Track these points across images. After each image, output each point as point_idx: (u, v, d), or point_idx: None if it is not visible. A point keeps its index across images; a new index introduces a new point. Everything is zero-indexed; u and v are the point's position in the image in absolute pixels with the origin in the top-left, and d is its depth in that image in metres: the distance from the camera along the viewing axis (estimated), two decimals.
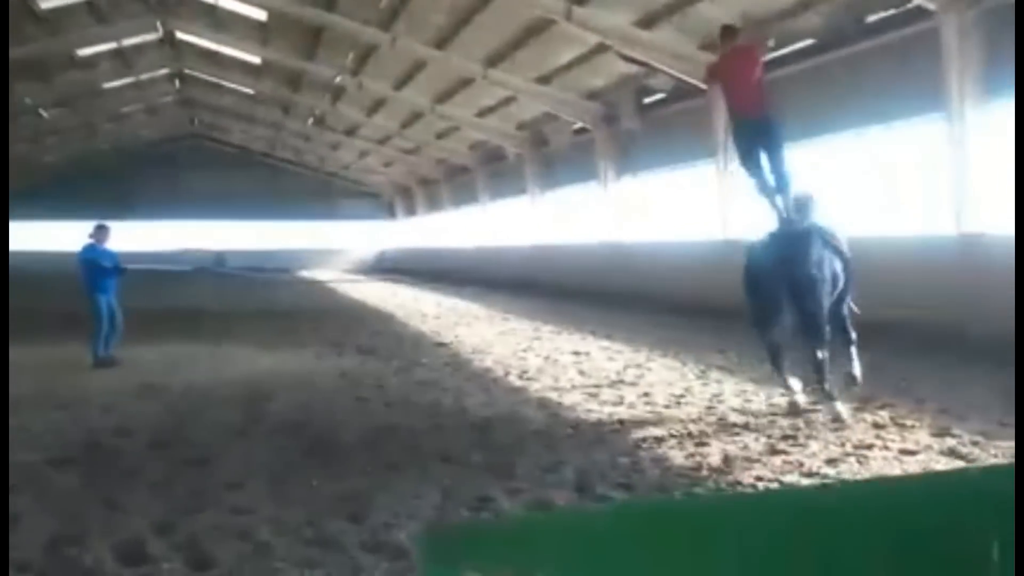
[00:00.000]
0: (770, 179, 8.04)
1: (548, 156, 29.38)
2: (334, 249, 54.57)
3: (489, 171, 35.60)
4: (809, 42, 16.37)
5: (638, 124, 22.61)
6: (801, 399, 7.59)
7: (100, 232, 11.46)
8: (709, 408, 7.92)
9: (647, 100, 22.33)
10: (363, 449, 6.54)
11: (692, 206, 21.69)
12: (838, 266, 7.68)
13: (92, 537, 4.52)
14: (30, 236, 52.26)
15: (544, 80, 23.79)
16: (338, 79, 28.83)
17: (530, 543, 1.48)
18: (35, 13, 24.06)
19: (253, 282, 34.48)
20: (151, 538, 4.51)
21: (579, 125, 25.60)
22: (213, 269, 45.63)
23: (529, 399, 8.62)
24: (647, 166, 23.23)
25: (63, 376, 10.26)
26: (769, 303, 7.71)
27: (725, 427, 7.11)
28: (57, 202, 50.96)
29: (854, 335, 8.00)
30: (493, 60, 23.33)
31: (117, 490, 5.40)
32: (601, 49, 20.16)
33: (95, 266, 11.26)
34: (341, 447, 6.61)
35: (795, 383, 7.72)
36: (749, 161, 8.14)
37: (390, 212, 55.27)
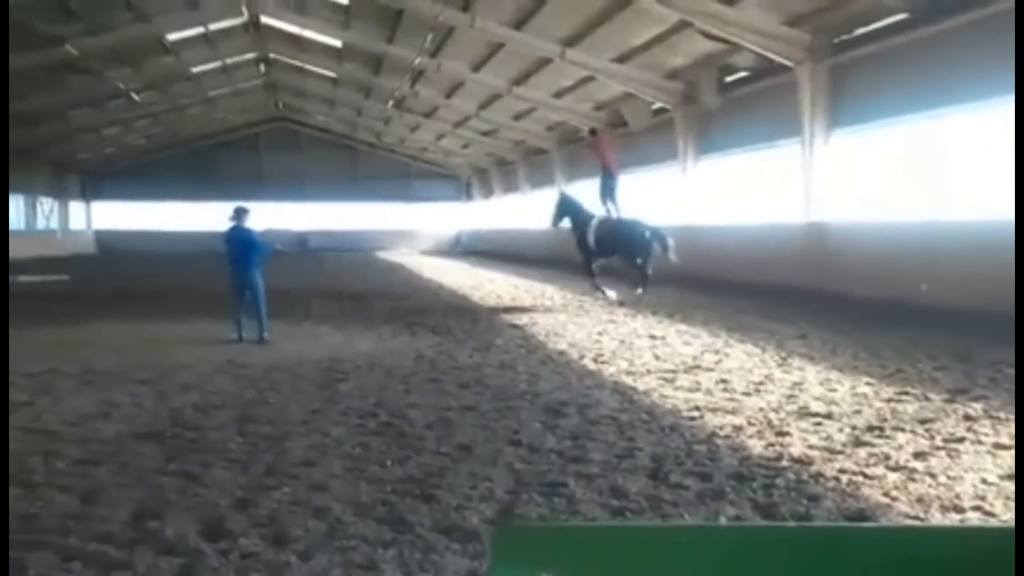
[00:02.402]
0: (615, 202, 17.54)
1: (627, 136, 29.01)
2: (411, 230, 55.14)
3: (566, 152, 35.41)
4: (893, 20, 15.81)
5: (719, 103, 22.13)
6: (612, 295, 16.24)
7: (240, 214, 11.90)
8: (790, 396, 7.70)
9: (729, 78, 21.83)
10: (436, 430, 6.56)
11: (774, 187, 21.16)
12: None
13: (173, 511, 4.64)
14: (123, 216, 54.34)
15: (623, 59, 23.47)
16: (417, 61, 28.96)
17: (606, 551, 1.43)
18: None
19: (332, 262, 35.13)
20: (230, 513, 4.60)
21: (658, 105, 25.21)
22: (295, 249, 46.64)
23: (603, 383, 8.53)
24: (728, 146, 22.74)
25: (148, 352, 10.59)
26: (604, 252, 16.76)
27: (807, 416, 6.90)
28: (144, 183, 52.94)
29: (649, 272, 16.49)
30: (571, 40, 23.10)
31: (198, 465, 5.53)
32: (682, 26, 19.77)
33: (239, 246, 11.70)
34: (414, 427, 6.64)
35: (610, 292, 16.46)
36: (606, 191, 17.62)
37: (467, 194, 55.54)
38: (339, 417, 7.01)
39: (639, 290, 16.25)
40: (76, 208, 52.47)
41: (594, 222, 16.95)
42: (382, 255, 44.45)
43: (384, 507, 4.74)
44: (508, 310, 16.06)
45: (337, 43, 31.08)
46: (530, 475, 5.37)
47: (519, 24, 23.10)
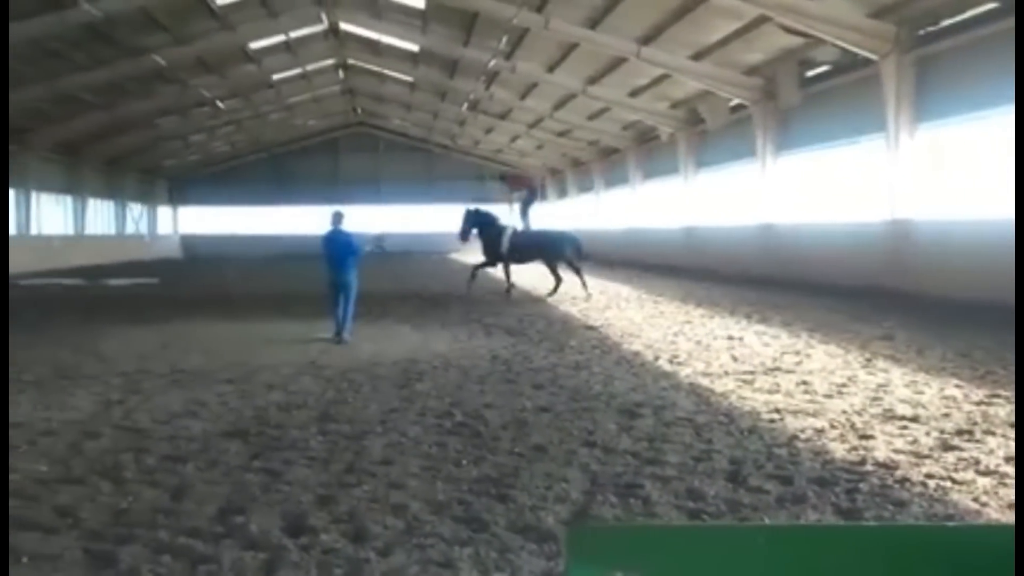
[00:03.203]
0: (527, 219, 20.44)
1: (703, 134, 28.67)
2: None
3: (641, 151, 35.18)
4: (981, 10, 15.25)
5: (799, 99, 21.67)
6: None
7: (338, 218, 12.41)
8: (874, 399, 7.49)
9: (810, 73, 21.36)
10: (511, 430, 6.58)
11: (856, 184, 20.60)
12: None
13: (258, 507, 4.76)
14: (207, 220, 56.03)
15: (699, 56, 23.18)
16: (492, 63, 29.12)
17: (681, 552, 1.42)
18: (211, 9, 25.55)
19: (408, 263, 35.56)
20: (312, 510, 4.71)
21: (736, 101, 24.82)
22: (376, 251, 47.25)
23: (679, 384, 8.44)
24: (808, 143, 22.25)
25: (233, 353, 10.89)
26: (521, 258, 19.31)
27: (892, 419, 6.70)
28: (227, 188, 54.60)
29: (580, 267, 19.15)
30: (647, 38, 22.92)
31: (281, 463, 5.67)
32: (760, 21, 19.44)
33: (337, 248, 12.15)
34: (490, 428, 6.68)
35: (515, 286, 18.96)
36: (524, 210, 20.71)
37: (541, 194, 55.53)
38: (416, 417, 7.09)
39: (553, 293, 18.75)
40: (163, 213, 54.35)
41: (509, 231, 19.47)
42: (457, 256, 44.79)
43: (460, 506, 4.78)
44: (583, 311, 16.02)
45: (414, 47, 31.48)
46: (605, 476, 5.35)
47: (593, 24, 23.03)
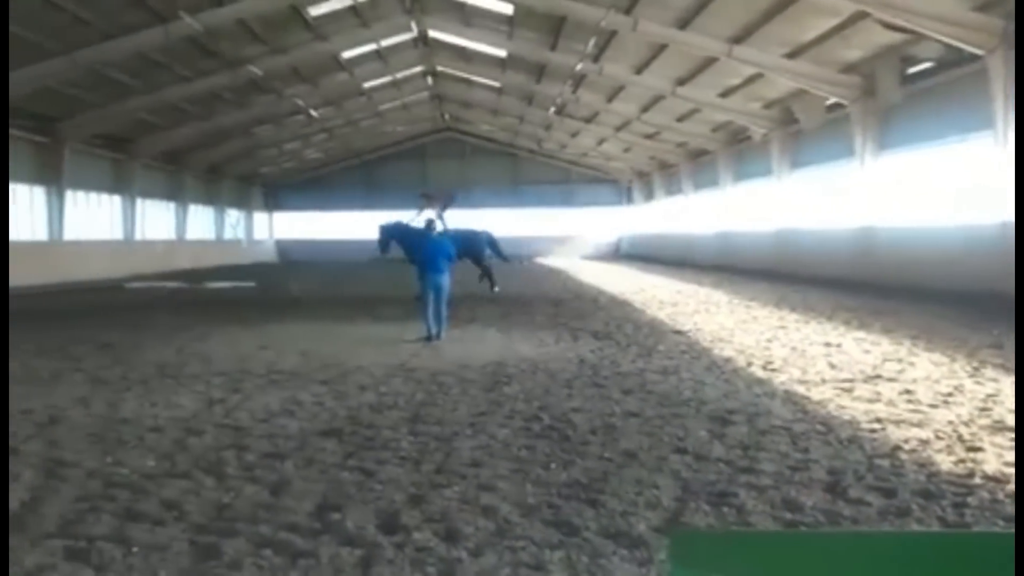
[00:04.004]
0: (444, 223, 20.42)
1: (797, 135, 28.02)
2: (571, 235, 55.35)
3: (732, 153, 34.59)
4: None
5: (900, 96, 20.96)
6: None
7: (432, 224, 13.14)
8: (983, 409, 7.17)
9: (912, 70, 20.63)
10: (600, 435, 6.54)
11: (962, 185, 19.78)
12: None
13: (353, 504, 4.86)
14: (300, 225, 57.49)
15: (794, 55, 22.67)
16: (579, 66, 29.08)
17: (784, 559, 1.38)
18: (306, 20, 26.26)
19: (494, 267, 35.74)
20: (404, 509, 4.77)
21: (833, 100, 24.17)
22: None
23: (774, 392, 8.25)
24: (910, 142, 21.49)
25: (328, 354, 11.14)
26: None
27: (1002, 431, 6.40)
28: (319, 194, 56.01)
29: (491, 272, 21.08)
30: (739, 37, 22.54)
31: (374, 462, 5.77)
32: (859, 18, 18.89)
33: (432, 252, 12.64)
34: (578, 432, 6.65)
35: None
36: (440, 217, 20.31)
37: (628, 198, 55.22)
38: (504, 419, 7.12)
39: (495, 288, 20.83)
40: (259, 218, 56.08)
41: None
42: (542, 260, 44.87)
43: (550, 509, 4.78)
44: (671, 315, 15.83)
45: (502, 53, 31.69)
46: (697, 484, 5.27)
47: (683, 24, 22.76)
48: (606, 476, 5.43)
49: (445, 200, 22.00)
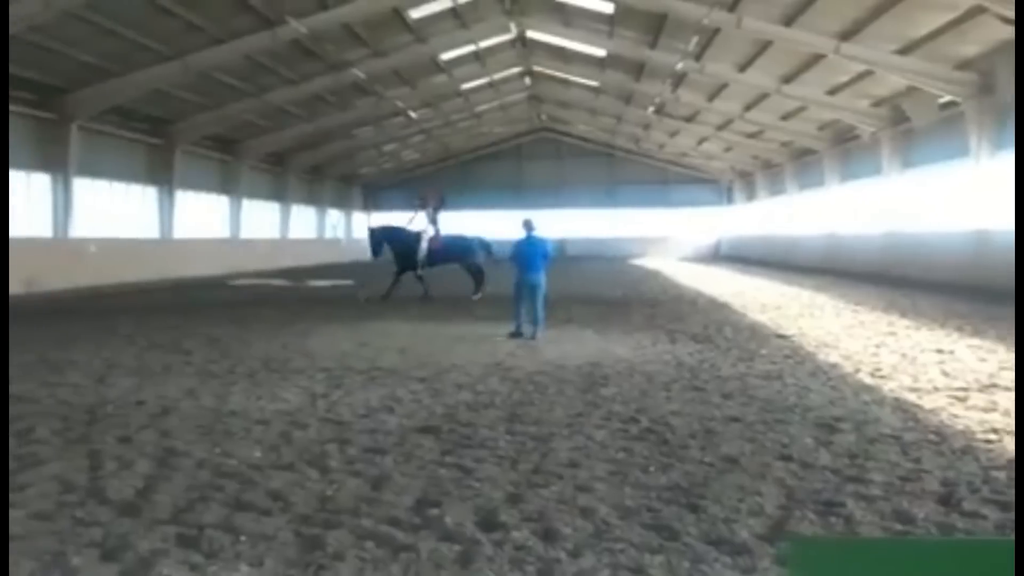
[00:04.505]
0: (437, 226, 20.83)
1: (908, 133, 26.98)
2: (668, 236, 54.69)
3: (839, 152, 33.58)
4: None
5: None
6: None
7: (529, 224, 13.22)
8: None
9: None
10: (699, 439, 6.43)
11: None
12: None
13: (451, 501, 4.90)
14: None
15: (906, 51, 21.84)
16: (680, 65, 28.71)
17: (903, 568, 1.32)
18: (406, 22, 26.71)
19: (590, 268, 35.65)
20: (502, 507, 4.79)
21: (946, 98, 23.17)
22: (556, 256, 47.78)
23: (883, 399, 7.94)
24: None
25: (425, 352, 11.29)
26: (437, 261, 20.63)
27: None
28: (415, 194, 56.84)
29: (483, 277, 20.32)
30: (847, 33, 21.86)
31: (471, 460, 5.81)
32: (976, 12, 18.06)
33: (531, 253, 12.80)
34: (677, 435, 6.55)
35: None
36: (432, 220, 20.85)
37: (728, 198, 54.20)
38: (601, 421, 7.07)
39: (477, 293, 20.01)
40: (358, 218, 57.35)
41: (427, 236, 20.56)
42: (638, 262, 44.48)
43: (649, 513, 4.72)
44: (773, 319, 15.44)
45: (600, 52, 31.55)
46: (802, 492, 5.11)
47: (789, 20, 22.21)
48: (707, 481, 5.33)
49: (436, 202, 21.72)
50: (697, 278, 29.42)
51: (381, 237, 20.66)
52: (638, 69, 32.75)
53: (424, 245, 20.44)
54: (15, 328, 14.12)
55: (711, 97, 33.59)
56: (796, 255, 37.41)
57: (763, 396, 8.15)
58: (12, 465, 5.66)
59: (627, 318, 15.68)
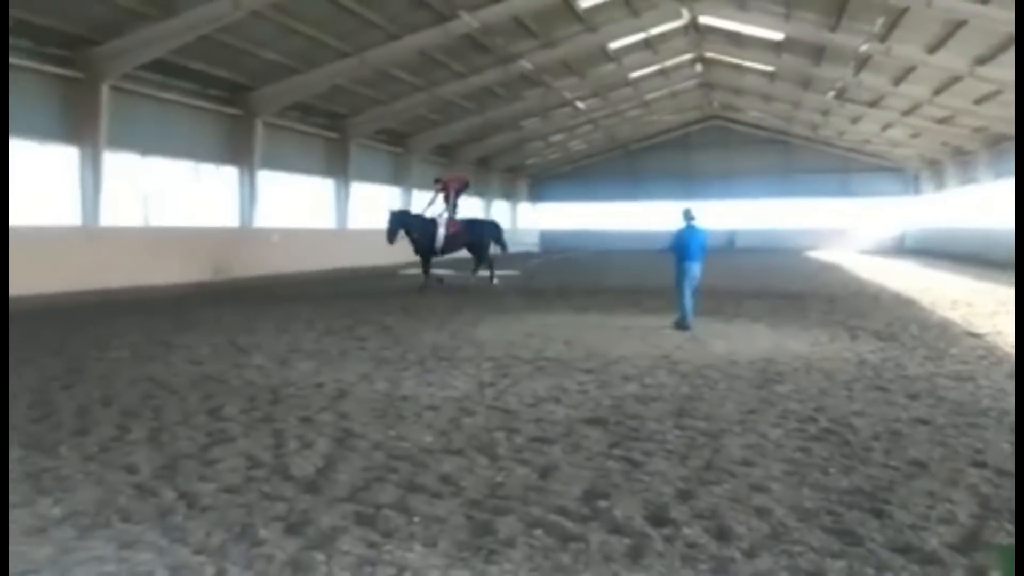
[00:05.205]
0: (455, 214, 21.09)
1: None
2: (847, 228, 52.03)
3: None
4: None
5: None
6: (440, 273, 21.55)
7: (689, 214, 13.00)
8: None
9: None
10: (884, 442, 6.07)
11: None
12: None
13: (620, 493, 4.86)
14: (563, 216, 58.79)
15: None
16: (864, 47, 27.16)
17: None
18: (576, 12, 26.69)
19: (762, 261, 34.47)
20: (672, 503, 4.70)
21: None
22: (724, 248, 46.64)
23: None
24: None
25: (591, 343, 11.27)
26: (453, 247, 20.81)
27: None
28: (582, 185, 56.97)
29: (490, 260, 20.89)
30: None
31: (640, 453, 5.74)
32: None
33: (691, 243, 12.70)
34: (859, 437, 6.22)
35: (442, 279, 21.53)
36: (451, 208, 21.03)
37: (914, 188, 50.93)
38: (776, 419, 6.81)
39: (492, 280, 20.51)
40: (524, 209, 57.99)
41: (441, 226, 20.54)
42: (814, 254, 42.60)
43: (830, 516, 4.51)
44: (965, 316, 14.38)
45: (777, 36, 30.36)
46: (999, 501, 4.74)
47: None
48: (892, 485, 5.03)
49: (458, 187, 21.49)
50: (879, 272, 27.86)
51: (396, 223, 20.45)
52: (818, 53, 31.24)
53: (441, 231, 20.42)
54: (207, 311, 15.23)
55: (897, 81, 31.58)
56: (990, 249, 34.67)
57: (953, 398, 7.62)
58: (204, 440, 6.09)
59: (803, 313, 15.05)
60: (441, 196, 21.28)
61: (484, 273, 20.90)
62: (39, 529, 4.28)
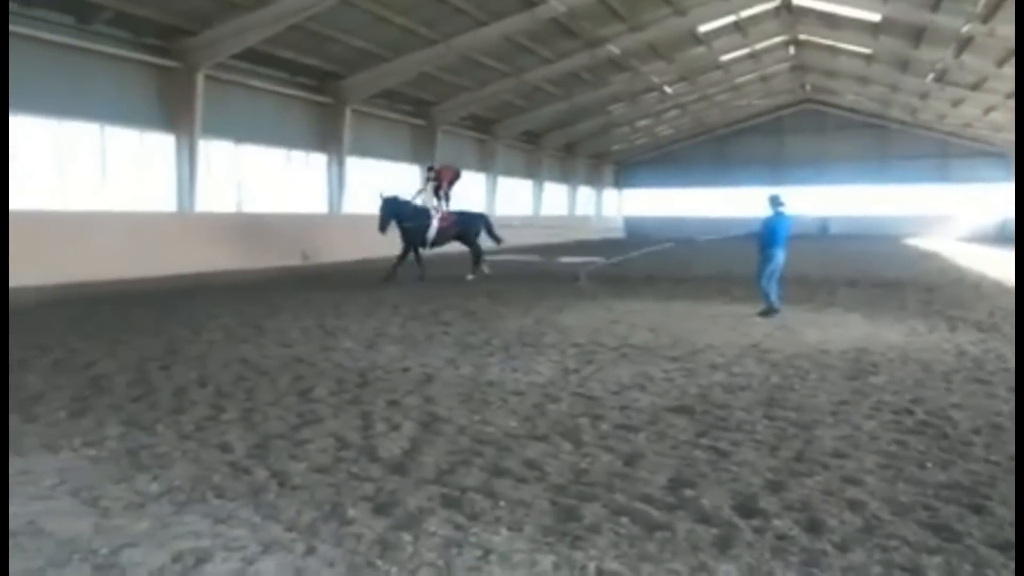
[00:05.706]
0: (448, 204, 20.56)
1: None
2: (947, 215, 50.03)
3: None
4: None
5: None
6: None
7: (776, 200, 12.80)
8: None
9: None
10: (984, 436, 5.84)
11: None
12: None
13: (707, 483, 4.79)
14: (648, 202, 58.14)
15: None
16: (966, 28, 26.00)
17: None
18: None
19: (856, 248, 33.46)
20: (761, 493, 4.61)
21: None
22: (817, 235, 45.44)
23: None
24: None
25: (677, 331, 11.13)
26: (444, 239, 20.15)
27: None
28: (668, 171, 56.19)
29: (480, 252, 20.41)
30: None
31: (727, 443, 5.65)
32: None
33: (778, 229, 12.58)
34: (958, 430, 5.99)
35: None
36: (443, 198, 20.53)
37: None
38: (870, 411, 6.61)
39: (485, 269, 20.16)
40: (608, 195, 57.58)
41: (436, 213, 20.04)
42: (912, 242, 41.13)
43: (926, 511, 4.35)
44: None
45: (875, 17, 29.32)
46: None
47: None
48: (993, 481, 4.83)
49: (451, 178, 20.86)
50: (981, 260, 26.73)
51: (387, 212, 19.21)
52: (917, 34, 30.05)
53: (435, 223, 19.83)
54: (296, 295, 15.62)
55: (1001, 63, 30.11)
56: None
57: None
58: (295, 421, 6.25)
59: (899, 302, 14.56)
60: (432, 186, 20.77)
61: (485, 270, 20.28)
62: (138, 504, 4.46)
